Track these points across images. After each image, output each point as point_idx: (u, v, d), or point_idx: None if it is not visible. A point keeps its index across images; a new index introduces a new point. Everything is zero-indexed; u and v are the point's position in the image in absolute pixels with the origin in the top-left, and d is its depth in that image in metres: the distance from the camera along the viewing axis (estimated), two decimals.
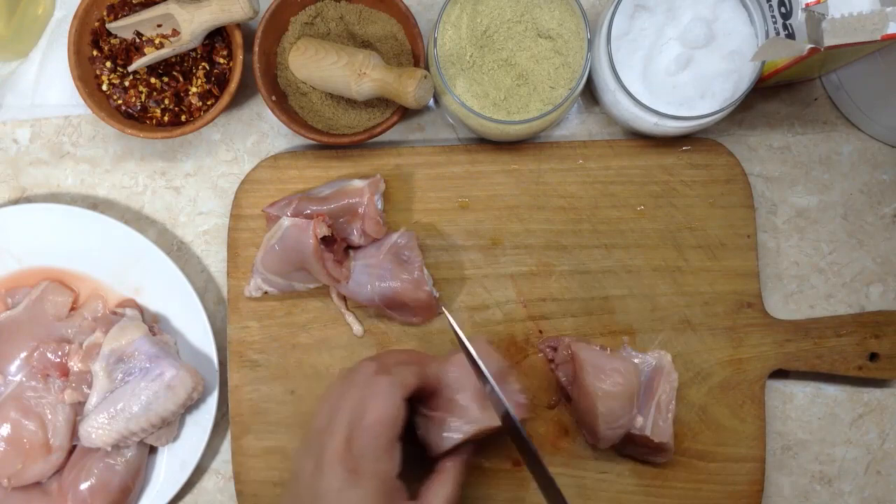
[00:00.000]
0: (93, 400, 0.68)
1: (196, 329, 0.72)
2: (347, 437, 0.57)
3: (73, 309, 0.73)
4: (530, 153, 0.73)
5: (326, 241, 0.68)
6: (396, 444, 0.59)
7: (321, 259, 0.67)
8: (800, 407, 0.75)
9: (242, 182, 0.73)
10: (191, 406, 0.71)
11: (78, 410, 0.70)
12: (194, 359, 0.72)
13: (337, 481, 0.56)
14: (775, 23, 0.66)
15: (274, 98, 0.70)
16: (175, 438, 0.71)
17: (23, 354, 0.70)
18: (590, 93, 0.74)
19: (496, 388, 0.62)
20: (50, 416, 0.70)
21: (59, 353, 0.70)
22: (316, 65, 0.69)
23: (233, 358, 0.72)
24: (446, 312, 0.65)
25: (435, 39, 0.66)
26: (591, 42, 0.66)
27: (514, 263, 0.72)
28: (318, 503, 0.57)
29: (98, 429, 0.67)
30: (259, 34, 0.69)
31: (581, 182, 0.73)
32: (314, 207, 0.69)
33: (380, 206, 0.70)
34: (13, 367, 0.70)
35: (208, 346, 0.72)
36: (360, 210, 0.69)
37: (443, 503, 0.60)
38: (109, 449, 0.68)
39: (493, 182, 0.73)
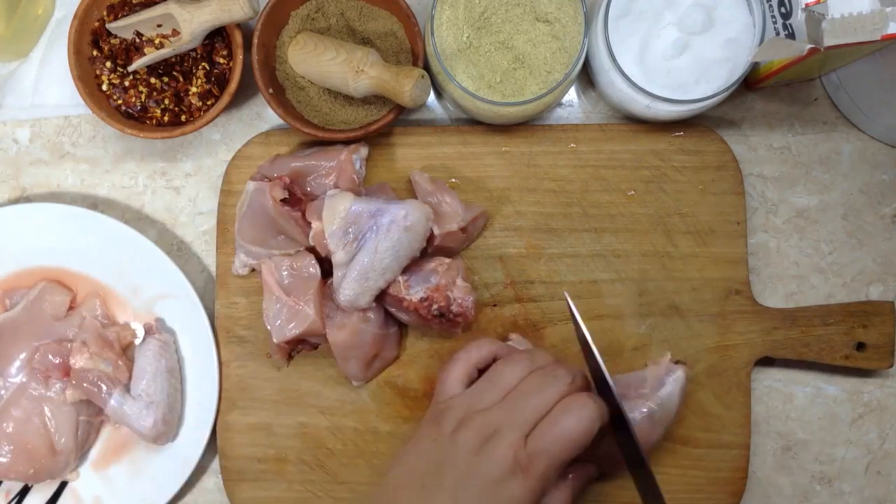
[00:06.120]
0: (339, 273, 0.67)
1: (196, 329, 0.72)
2: (529, 431, 0.57)
3: (71, 308, 0.73)
4: (522, 136, 0.73)
5: (293, 202, 0.68)
6: (566, 464, 0.58)
7: (290, 218, 0.68)
8: (800, 407, 0.75)
9: (233, 158, 0.73)
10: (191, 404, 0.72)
11: (80, 410, 0.70)
12: (194, 359, 0.72)
13: (500, 471, 0.56)
14: (775, 23, 0.66)
15: (271, 91, 0.70)
16: (175, 437, 0.72)
17: (22, 356, 0.70)
18: (587, 77, 0.74)
19: (609, 380, 0.62)
20: (53, 418, 0.70)
21: (59, 353, 0.70)
22: (314, 60, 0.69)
23: (220, 334, 0.72)
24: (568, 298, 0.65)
25: (432, 17, 0.66)
26: (589, 22, 0.66)
27: (504, 245, 0.73)
28: (476, 480, 0.57)
29: (359, 292, 0.66)
30: (259, 27, 0.69)
31: (572, 165, 0.73)
32: (290, 165, 0.70)
33: (358, 167, 0.70)
34: (13, 369, 0.70)
35: (208, 346, 0.72)
36: (336, 169, 0.69)
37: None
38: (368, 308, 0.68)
39: (483, 164, 0.73)
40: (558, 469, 0.58)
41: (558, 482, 0.61)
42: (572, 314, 0.65)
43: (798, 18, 0.62)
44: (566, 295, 0.67)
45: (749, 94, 0.76)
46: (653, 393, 0.67)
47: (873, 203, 0.75)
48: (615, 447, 0.64)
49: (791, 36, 0.64)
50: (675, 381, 0.68)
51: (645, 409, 0.67)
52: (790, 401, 0.75)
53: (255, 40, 0.69)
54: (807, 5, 0.61)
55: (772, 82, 0.72)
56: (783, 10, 0.64)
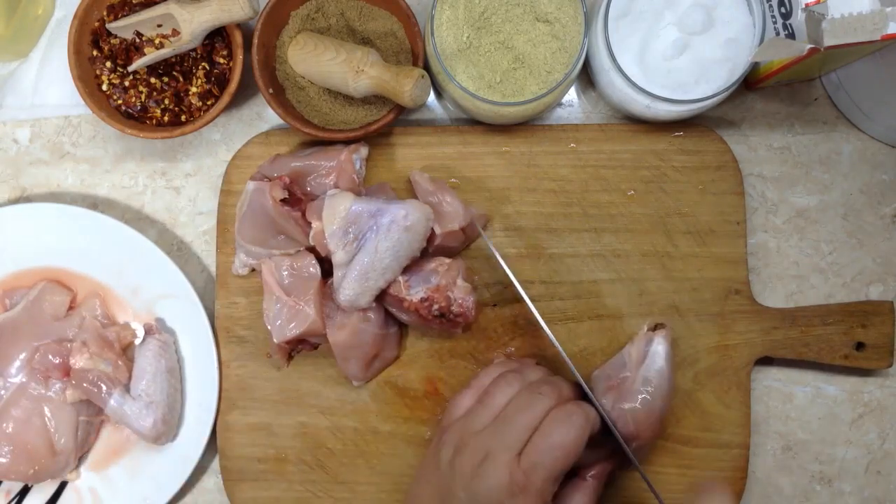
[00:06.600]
0: (339, 273, 0.67)
1: (196, 329, 0.72)
2: (521, 449, 0.58)
3: (71, 308, 0.73)
4: (522, 135, 0.73)
5: (293, 202, 0.68)
6: (562, 475, 0.59)
7: (289, 217, 0.68)
8: (800, 407, 0.75)
9: (233, 158, 0.73)
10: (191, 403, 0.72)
11: (80, 410, 0.70)
12: (194, 359, 0.73)
13: (498, 493, 0.57)
14: (775, 23, 0.66)
15: (271, 91, 0.70)
16: (175, 437, 0.72)
17: (22, 356, 0.70)
18: (587, 77, 0.74)
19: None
20: (53, 418, 0.70)
21: (59, 353, 0.70)
22: (314, 60, 0.69)
23: (220, 334, 0.72)
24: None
25: (432, 18, 0.66)
26: (589, 22, 0.66)
27: (504, 245, 0.72)
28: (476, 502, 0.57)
29: (359, 292, 0.67)
30: (259, 27, 0.69)
31: (572, 165, 0.73)
32: (290, 165, 0.70)
33: (358, 167, 0.70)
34: (13, 369, 0.70)
35: (208, 346, 0.72)
36: (336, 169, 0.69)
37: None
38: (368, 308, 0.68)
39: (484, 164, 0.73)
40: (556, 480, 0.58)
41: (578, 484, 0.62)
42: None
43: (798, 18, 0.62)
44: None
45: (749, 94, 0.76)
46: (636, 374, 0.67)
47: (873, 203, 0.75)
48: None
49: (791, 36, 0.64)
50: (656, 350, 0.68)
51: (637, 403, 0.66)
52: (790, 401, 0.75)
53: (255, 40, 0.69)
54: (807, 5, 0.61)
55: (772, 82, 0.72)
56: (783, 10, 0.64)
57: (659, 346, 0.68)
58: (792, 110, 0.76)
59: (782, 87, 0.76)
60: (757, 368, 0.73)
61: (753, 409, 0.73)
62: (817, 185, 0.75)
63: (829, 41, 0.59)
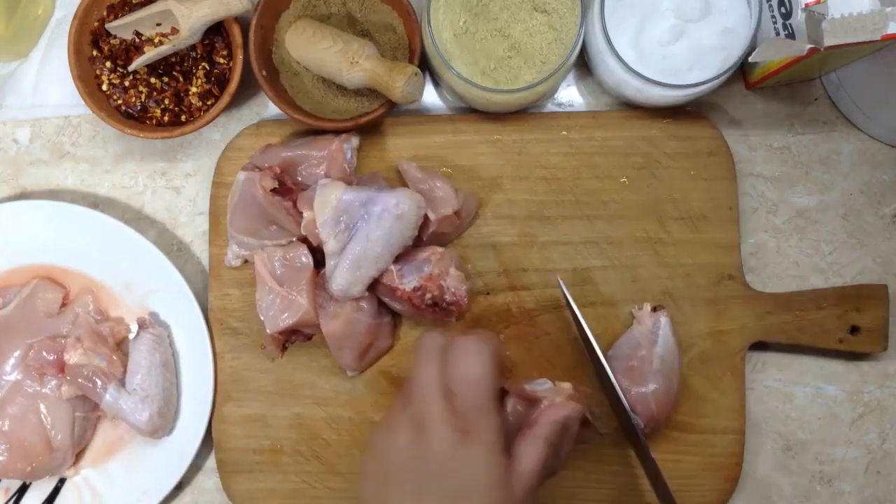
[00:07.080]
0: (331, 263, 0.67)
1: (190, 322, 0.72)
2: (447, 398, 0.55)
3: (64, 305, 0.73)
4: (514, 123, 0.73)
5: (283, 192, 0.68)
6: (496, 401, 0.56)
7: (281, 207, 0.68)
8: (800, 407, 0.74)
9: (225, 150, 0.73)
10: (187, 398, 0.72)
11: (76, 406, 0.70)
12: (191, 358, 0.73)
13: (447, 443, 0.54)
14: (775, 23, 0.66)
15: (265, 73, 0.70)
16: (171, 430, 0.72)
17: (17, 353, 0.70)
18: (584, 65, 0.74)
19: (609, 372, 0.65)
20: (49, 415, 0.70)
21: (54, 349, 0.70)
22: (311, 47, 0.69)
23: (214, 326, 0.72)
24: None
25: (429, 2, 0.66)
26: (585, 11, 0.66)
27: (496, 233, 0.72)
28: (429, 469, 0.54)
29: (351, 281, 0.66)
30: (259, 8, 0.69)
31: (564, 153, 0.73)
32: (281, 155, 0.70)
33: (349, 157, 0.70)
34: (8, 367, 0.70)
35: (202, 339, 0.72)
36: (326, 158, 0.69)
37: (532, 463, 0.56)
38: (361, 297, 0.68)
39: (476, 152, 0.73)
40: (492, 412, 0.55)
41: (524, 435, 0.58)
42: (570, 307, 0.67)
43: (798, 18, 0.62)
44: (560, 282, 0.68)
45: (749, 94, 0.76)
46: (651, 355, 0.68)
47: (873, 203, 0.75)
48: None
49: (791, 36, 0.64)
50: (664, 329, 0.69)
51: (658, 384, 0.67)
52: (790, 401, 0.74)
53: (254, 22, 0.69)
54: (807, 5, 0.61)
55: (772, 82, 0.72)
56: (783, 10, 0.64)
57: (666, 327, 0.69)
58: (792, 110, 0.76)
59: (782, 87, 0.76)
60: (756, 368, 0.73)
61: (753, 409, 0.73)
62: (817, 185, 0.75)
63: (829, 41, 0.59)
